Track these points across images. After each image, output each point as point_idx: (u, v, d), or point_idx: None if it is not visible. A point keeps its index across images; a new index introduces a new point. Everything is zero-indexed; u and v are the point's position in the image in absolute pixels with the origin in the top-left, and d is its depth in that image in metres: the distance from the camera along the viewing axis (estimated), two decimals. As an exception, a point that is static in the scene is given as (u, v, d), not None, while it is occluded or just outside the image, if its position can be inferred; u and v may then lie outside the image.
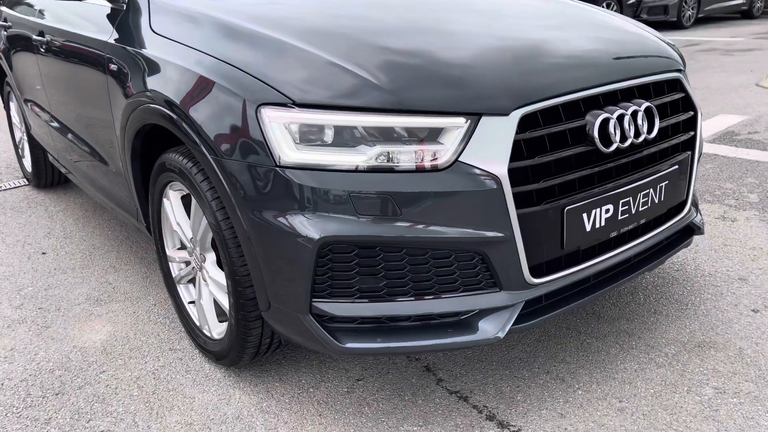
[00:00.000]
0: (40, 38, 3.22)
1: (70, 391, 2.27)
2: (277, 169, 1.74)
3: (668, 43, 2.45)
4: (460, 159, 1.73)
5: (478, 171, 1.72)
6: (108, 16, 2.61)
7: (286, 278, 1.81)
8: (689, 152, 2.27)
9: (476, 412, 2.05)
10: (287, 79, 1.79)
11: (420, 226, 1.72)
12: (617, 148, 1.96)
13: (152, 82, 2.17)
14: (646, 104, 2.03)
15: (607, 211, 1.96)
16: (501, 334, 1.84)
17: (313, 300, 1.80)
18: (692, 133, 2.28)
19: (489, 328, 1.84)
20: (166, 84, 2.09)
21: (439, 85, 1.78)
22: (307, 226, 1.74)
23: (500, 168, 1.72)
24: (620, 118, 1.96)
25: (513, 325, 1.86)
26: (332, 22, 2.07)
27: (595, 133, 1.89)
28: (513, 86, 1.82)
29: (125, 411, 2.15)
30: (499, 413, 2.05)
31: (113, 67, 2.44)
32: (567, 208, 1.85)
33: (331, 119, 1.72)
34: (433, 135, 1.74)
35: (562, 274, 1.93)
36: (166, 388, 2.26)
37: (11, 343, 2.61)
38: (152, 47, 2.25)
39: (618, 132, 1.94)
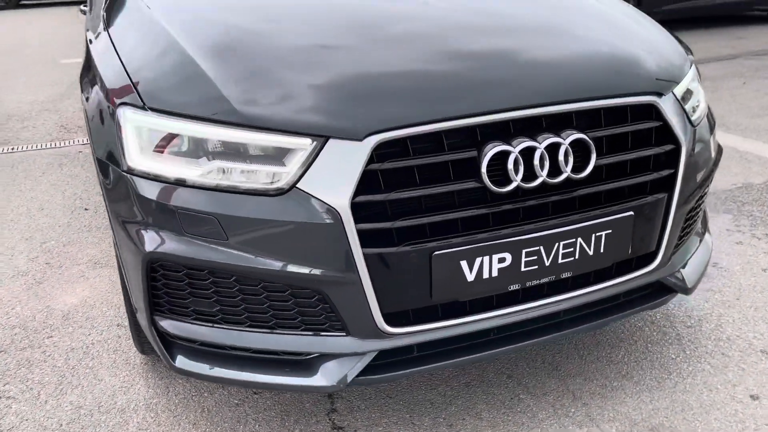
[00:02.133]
0: None
1: (12, 351, 2.42)
2: (123, 173, 1.66)
3: (677, 51, 2.00)
4: (298, 185, 1.53)
5: (315, 201, 1.51)
6: None
7: (133, 286, 1.75)
8: (664, 195, 1.83)
9: (346, 456, 1.88)
10: (152, 81, 1.70)
11: (249, 255, 1.56)
12: (518, 188, 1.62)
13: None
14: (577, 136, 1.65)
15: (502, 260, 1.65)
16: (341, 384, 1.63)
17: (154, 314, 1.72)
18: (671, 171, 1.83)
19: (329, 375, 1.64)
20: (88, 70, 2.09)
21: (291, 102, 1.58)
22: (140, 239, 1.65)
23: (341, 200, 1.50)
24: (529, 151, 1.61)
25: (361, 375, 1.65)
26: (226, 31, 1.89)
27: (483, 169, 1.57)
28: (375, 107, 1.56)
29: (39, 382, 2.25)
30: (368, 462, 1.85)
31: None
32: (435, 252, 1.57)
33: (175, 127, 1.60)
34: (279, 155, 1.55)
35: (431, 327, 1.66)
36: (86, 366, 2.32)
37: (2, 293, 2.83)
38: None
39: (522, 169, 1.61)
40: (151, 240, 1.63)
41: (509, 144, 1.59)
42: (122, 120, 1.67)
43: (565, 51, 1.86)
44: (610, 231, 1.76)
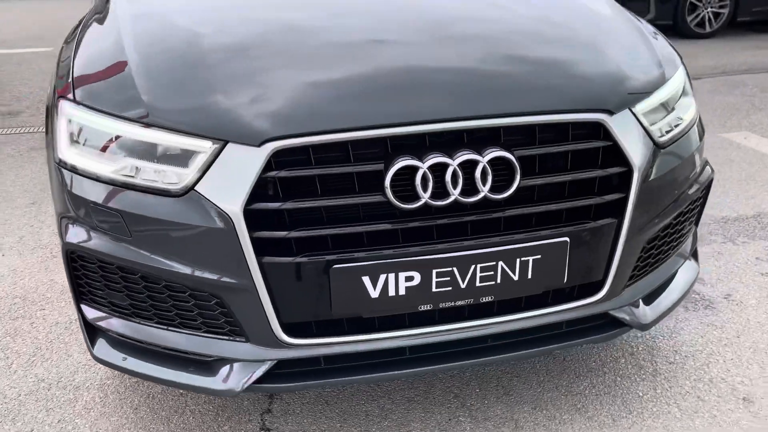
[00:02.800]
0: None
1: (5, 320, 2.58)
2: (55, 162, 1.72)
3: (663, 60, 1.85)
4: (196, 188, 1.52)
5: (210, 205, 1.51)
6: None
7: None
8: (613, 221, 1.69)
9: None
10: (87, 78, 1.75)
11: (149, 254, 1.58)
12: (426, 206, 1.54)
13: None
14: (497, 154, 1.54)
15: (410, 279, 1.57)
16: (237, 389, 1.63)
17: (80, 301, 1.78)
18: (621, 195, 1.68)
19: (227, 379, 1.64)
20: None
21: (201, 105, 1.58)
22: (62, 229, 1.71)
23: (234, 206, 1.48)
24: (442, 167, 1.53)
25: (260, 383, 1.63)
26: (165, 33, 1.88)
27: (387, 183, 1.50)
28: (276, 113, 1.53)
29: (16, 351, 2.38)
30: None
31: None
32: (335, 266, 1.53)
33: (95, 122, 1.63)
34: (184, 157, 1.55)
35: (334, 341, 1.62)
36: (63, 341, 2.44)
37: (18, 262, 3.03)
38: None
39: (431, 186, 1.52)
40: (69, 231, 1.68)
41: (419, 159, 1.51)
42: (58, 112, 1.73)
43: (503, 60, 1.74)
44: (540, 257, 1.64)
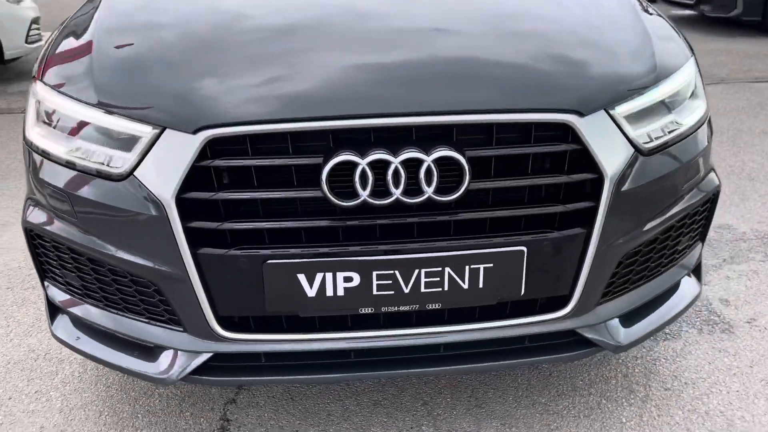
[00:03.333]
0: None
1: (17, 289, 2.70)
2: (23, 141, 1.76)
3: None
4: (135, 173, 1.51)
5: (145, 191, 1.49)
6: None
7: None
8: (581, 231, 1.55)
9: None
10: (57, 61, 1.77)
11: (93, 237, 1.58)
12: (365, 204, 1.45)
13: None
14: (444, 153, 1.44)
15: (348, 279, 1.50)
16: (173, 378, 1.61)
17: (44, 279, 1.81)
18: (590, 204, 1.54)
19: (165, 367, 1.62)
20: None
21: (149, 91, 1.57)
22: (25, 207, 1.74)
23: (166, 194, 1.46)
24: (382, 164, 1.44)
25: (197, 375, 1.61)
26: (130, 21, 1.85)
27: (323, 178, 1.43)
28: (213, 101, 1.49)
29: (18, 320, 2.48)
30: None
31: None
32: (268, 261, 1.48)
33: (55, 103, 1.65)
34: (129, 142, 1.54)
35: (273, 338, 1.57)
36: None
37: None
38: None
39: (370, 183, 1.44)
40: (29, 209, 1.71)
41: (360, 155, 1.43)
42: (31, 93, 1.76)
43: (461, 54, 1.63)
44: (492, 265, 1.53)
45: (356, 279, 1.51)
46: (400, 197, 1.45)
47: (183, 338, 1.60)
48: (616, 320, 1.73)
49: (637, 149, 1.60)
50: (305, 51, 1.62)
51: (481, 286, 1.55)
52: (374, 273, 1.50)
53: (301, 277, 1.50)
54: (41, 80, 1.73)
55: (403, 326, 1.60)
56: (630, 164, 1.57)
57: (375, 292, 1.52)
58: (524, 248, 1.52)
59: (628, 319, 1.77)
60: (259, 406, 2.01)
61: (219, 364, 1.64)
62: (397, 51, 1.63)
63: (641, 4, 2.01)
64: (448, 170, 1.47)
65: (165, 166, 1.47)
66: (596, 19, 1.85)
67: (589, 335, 1.68)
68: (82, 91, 1.62)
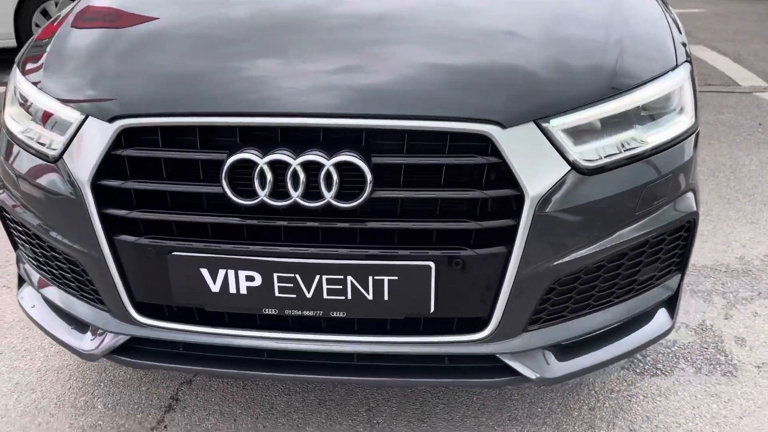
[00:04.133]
0: None
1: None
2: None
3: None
4: (63, 156, 1.57)
5: (68, 175, 1.54)
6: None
7: None
8: (500, 251, 1.44)
9: None
10: (34, 47, 1.87)
11: (33, 214, 1.67)
12: (263, 204, 1.43)
13: None
14: (344, 158, 1.38)
15: (251, 278, 1.49)
16: (96, 354, 1.68)
17: (15, 249, 1.94)
18: (510, 223, 1.43)
19: (91, 344, 1.69)
20: None
21: (77, 78, 1.63)
22: None
23: (84, 179, 1.51)
24: (282, 165, 1.40)
25: (117, 354, 1.67)
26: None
27: (223, 175, 1.42)
28: (131, 91, 1.51)
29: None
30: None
31: None
32: (173, 253, 1.49)
33: (19, 87, 1.75)
34: (63, 126, 1.59)
35: (174, 327, 1.60)
36: None
37: None
38: None
39: (269, 183, 1.41)
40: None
41: (261, 154, 1.41)
42: (10, 76, 1.88)
43: (386, 57, 1.54)
44: (397, 278, 1.46)
45: (258, 279, 1.49)
46: (299, 200, 1.41)
47: (106, 318, 1.66)
48: (549, 350, 1.59)
49: (575, 167, 1.45)
50: (223, 50, 1.61)
51: (386, 298, 1.48)
52: (275, 275, 1.48)
53: (204, 272, 1.50)
54: (17, 64, 1.84)
55: (313, 331, 1.56)
56: (562, 183, 1.44)
57: (277, 294, 1.50)
58: (432, 264, 1.44)
59: (568, 350, 1.63)
60: (210, 390, 2.05)
61: (141, 347, 1.68)
62: (315, 53, 1.58)
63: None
64: (352, 176, 1.41)
65: (85, 152, 1.52)
66: (548, 20, 1.69)
67: (510, 362, 1.56)
68: (38, 76, 1.70)
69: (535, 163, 1.42)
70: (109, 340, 1.67)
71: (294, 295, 1.49)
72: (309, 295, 1.49)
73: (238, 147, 1.44)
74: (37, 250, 1.77)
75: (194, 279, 1.51)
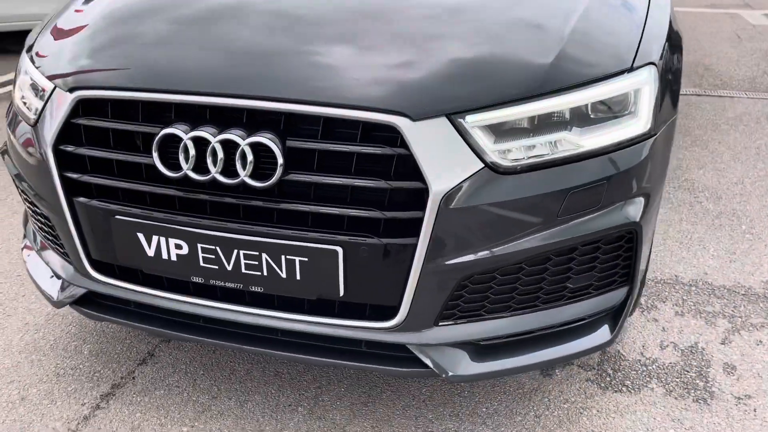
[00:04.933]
0: None
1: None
2: None
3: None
4: (38, 122, 1.74)
5: (39, 138, 1.71)
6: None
7: None
8: (407, 241, 1.46)
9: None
10: (42, 24, 2.06)
11: (20, 172, 1.86)
12: (186, 177, 1.52)
13: None
14: (258, 139, 1.44)
15: (179, 247, 1.59)
16: (61, 302, 1.85)
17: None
18: (415, 214, 1.44)
19: (57, 292, 1.87)
20: None
21: (55, 51, 1.79)
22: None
23: (48, 143, 1.67)
24: (204, 142, 1.49)
25: (77, 305, 1.84)
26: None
27: (154, 148, 1.53)
28: (88, 66, 1.65)
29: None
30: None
31: None
32: (116, 216, 1.63)
33: (24, 58, 1.95)
34: (42, 95, 1.77)
35: (123, 285, 1.73)
36: None
37: None
38: None
39: (192, 158, 1.50)
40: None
41: (186, 130, 1.50)
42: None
43: (316, 44, 1.57)
44: (307, 260, 1.50)
45: (185, 248, 1.59)
46: (216, 176, 1.49)
47: (70, 272, 1.83)
48: (463, 348, 1.58)
49: (490, 165, 1.43)
50: (168, 34, 1.70)
51: (298, 278, 1.53)
52: (199, 245, 1.57)
53: (141, 237, 1.62)
54: (27, 39, 2.04)
55: (238, 303, 1.64)
56: (473, 180, 1.42)
57: (201, 263, 1.59)
58: (339, 249, 1.47)
59: (487, 350, 1.61)
60: (184, 349, 2.20)
61: (99, 301, 1.84)
62: (248, 40, 1.64)
63: None
64: (268, 158, 1.47)
65: (51, 119, 1.68)
66: (490, 13, 1.66)
67: (420, 355, 1.56)
68: (34, 50, 1.89)
69: (444, 158, 1.42)
70: (71, 292, 1.84)
71: (216, 267, 1.58)
72: (229, 268, 1.57)
73: (171, 122, 1.54)
74: (28, 206, 1.97)
75: (133, 243, 1.63)
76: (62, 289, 1.87)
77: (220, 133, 1.48)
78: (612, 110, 1.54)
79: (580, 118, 1.50)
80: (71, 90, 1.64)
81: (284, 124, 1.49)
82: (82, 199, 1.67)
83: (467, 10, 1.68)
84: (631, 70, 1.57)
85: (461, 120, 1.43)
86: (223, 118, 1.53)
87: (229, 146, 1.48)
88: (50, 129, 1.67)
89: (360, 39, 1.61)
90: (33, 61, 1.84)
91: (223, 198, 1.53)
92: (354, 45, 1.59)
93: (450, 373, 1.57)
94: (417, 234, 1.44)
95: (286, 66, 1.53)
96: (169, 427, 1.89)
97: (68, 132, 1.65)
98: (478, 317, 1.57)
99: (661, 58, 1.67)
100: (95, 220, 1.67)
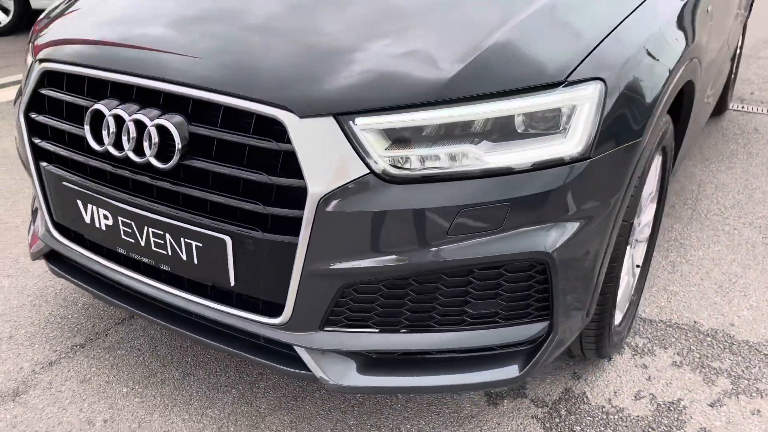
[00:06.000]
0: None
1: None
2: None
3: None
4: (22, 91, 1.90)
5: (18, 104, 1.87)
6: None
7: None
8: (288, 240, 1.43)
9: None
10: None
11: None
12: (107, 152, 1.59)
13: None
14: (160, 122, 1.48)
15: (106, 217, 1.68)
16: (31, 250, 2.02)
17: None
18: (296, 213, 1.41)
19: (33, 246, 2.04)
20: None
21: (43, 30, 1.94)
22: None
23: (21, 109, 1.82)
24: (121, 120, 1.55)
25: (47, 260, 1.99)
26: None
27: (85, 122, 1.62)
28: (57, 41, 1.78)
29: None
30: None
31: None
32: (62, 182, 1.75)
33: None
34: (28, 65, 1.94)
35: (74, 248, 1.85)
36: None
37: None
38: None
39: (111, 133, 1.57)
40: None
41: (111, 107, 1.57)
42: None
43: (237, 34, 1.58)
44: (202, 245, 1.53)
45: (110, 219, 1.67)
46: (129, 153, 1.55)
47: (42, 229, 1.99)
48: (351, 358, 1.52)
49: (376, 171, 1.36)
50: (123, 16, 1.77)
51: (196, 262, 1.56)
52: (119, 218, 1.64)
53: (79, 203, 1.73)
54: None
55: (156, 279, 1.70)
56: (357, 186, 1.36)
57: (122, 236, 1.67)
58: (228, 238, 1.48)
59: (379, 364, 1.54)
60: (143, 328, 2.28)
61: (63, 259, 1.98)
62: (179, 25, 1.66)
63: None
64: (173, 140, 1.50)
65: (27, 88, 1.83)
66: (413, 14, 1.57)
67: (303, 356, 1.53)
68: (37, 29, 2.06)
69: (328, 159, 1.37)
70: (39, 247, 2.00)
71: (133, 241, 1.65)
72: (143, 244, 1.63)
73: (103, 98, 1.62)
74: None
75: (75, 209, 1.75)
76: (35, 244, 2.04)
77: (137, 112, 1.53)
78: (536, 126, 1.40)
79: (495, 131, 1.38)
80: (40, 62, 1.77)
81: (191, 110, 1.51)
82: (43, 163, 1.81)
83: (384, 9, 1.61)
84: (566, 84, 1.41)
85: (350, 122, 1.37)
86: (148, 99, 1.58)
87: (143, 126, 1.53)
88: (25, 97, 1.82)
89: (267, 31, 1.59)
90: (31, 39, 2.01)
91: (135, 175, 1.59)
92: (261, 36, 1.57)
93: (331, 381, 1.52)
94: (297, 233, 1.41)
95: (195, 52, 1.55)
96: (114, 386, 2.01)
97: (36, 101, 1.79)
98: (367, 328, 1.51)
99: (621, 72, 1.48)
100: (52, 184, 1.80)
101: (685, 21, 1.88)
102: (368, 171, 1.36)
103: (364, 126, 1.37)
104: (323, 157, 1.37)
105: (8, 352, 2.15)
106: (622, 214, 1.60)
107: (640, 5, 1.72)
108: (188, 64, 1.53)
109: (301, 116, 1.37)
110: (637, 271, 2.23)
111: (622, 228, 1.67)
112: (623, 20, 1.61)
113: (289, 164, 1.41)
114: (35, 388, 2.00)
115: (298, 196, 1.40)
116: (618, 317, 2.08)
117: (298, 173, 1.38)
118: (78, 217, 1.75)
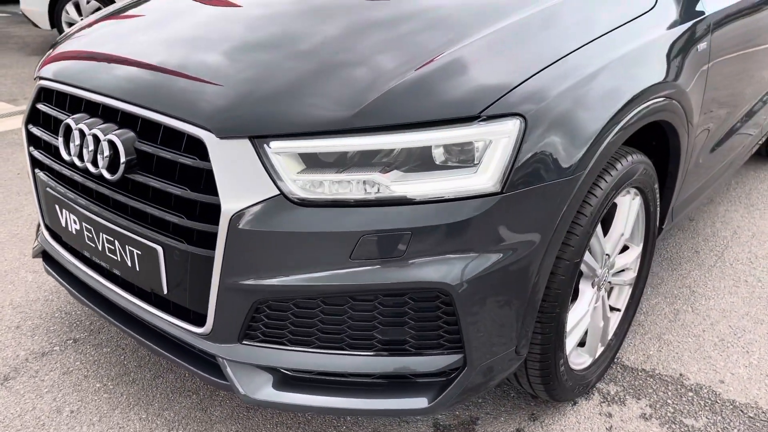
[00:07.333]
0: None
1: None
2: None
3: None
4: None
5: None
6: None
7: None
8: (206, 253, 1.51)
9: None
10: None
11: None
12: (72, 162, 1.73)
13: None
14: (110, 137, 1.60)
15: (75, 222, 1.83)
16: (32, 252, 2.20)
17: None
18: (209, 228, 1.49)
19: (33, 247, 2.23)
20: None
21: (51, 50, 2.12)
22: None
23: (23, 121, 2.02)
24: (84, 133, 1.70)
25: (44, 260, 2.17)
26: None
27: (59, 134, 1.77)
28: (50, 62, 1.95)
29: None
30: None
31: None
32: (46, 189, 1.92)
33: None
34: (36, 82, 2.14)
35: (58, 248, 2.00)
36: None
37: None
38: None
39: (76, 145, 1.71)
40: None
41: (78, 122, 1.72)
42: None
43: (189, 58, 1.66)
44: (140, 253, 1.63)
45: (78, 224, 1.81)
46: (87, 165, 1.69)
47: (41, 231, 2.17)
48: (268, 372, 1.57)
49: (285, 194, 1.42)
50: (104, 40, 1.93)
51: (137, 269, 1.67)
52: (83, 224, 1.78)
53: (57, 208, 1.89)
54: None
55: (113, 282, 1.82)
56: (267, 206, 1.42)
57: (86, 240, 1.80)
58: (160, 248, 1.57)
59: (294, 382, 1.57)
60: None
61: (54, 260, 2.15)
62: (143, 48, 1.78)
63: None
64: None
65: (28, 103, 2.03)
66: (348, 38, 1.63)
67: (222, 366, 1.59)
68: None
69: (241, 179, 1.43)
70: (37, 247, 2.19)
71: (93, 245, 1.78)
72: (100, 248, 1.76)
73: (77, 113, 1.77)
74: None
75: (54, 212, 1.91)
76: (35, 246, 2.23)
77: (96, 127, 1.67)
78: (452, 159, 1.41)
79: (409, 161, 1.40)
80: (38, 79, 1.97)
81: (140, 127, 1.63)
82: (36, 170, 1.99)
83: (309, 35, 1.67)
84: (481, 119, 1.41)
85: (265, 145, 1.43)
86: (110, 116, 1.71)
87: (98, 140, 1.66)
88: (27, 110, 2.02)
89: (197, 55, 1.69)
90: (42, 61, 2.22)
91: (96, 185, 1.72)
92: (195, 59, 1.67)
93: (243, 393, 1.57)
94: (214, 248, 1.48)
95: (144, 74, 1.67)
96: (90, 380, 2.15)
97: (33, 114, 1.98)
98: (281, 345, 1.55)
99: (550, 108, 1.47)
100: (41, 189, 1.98)
101: (654, 58, 1.81)
102: (278, 192, 1.42)
103: (278, 149, 1.43)
104: (237, 177, 1.44)
105: (11, 341, 2.35)
106: (554, 252, 1.56)
107: (597, 38, 1.69)
108: (136, 84, 1.66)
109: (220, 137, 1.45)
110: (615, 314, 2.14)
111: (564, 267, 1.63)
112: (569, 54, 1.58)
113: (208, 182, 1.49)
114: (23, 375, 2.18)
115: (215, 212, 1.48)
116: (585, 360, 2.01)
117: (213, 190, 1.46)
118: (57, 221, 1.91)
